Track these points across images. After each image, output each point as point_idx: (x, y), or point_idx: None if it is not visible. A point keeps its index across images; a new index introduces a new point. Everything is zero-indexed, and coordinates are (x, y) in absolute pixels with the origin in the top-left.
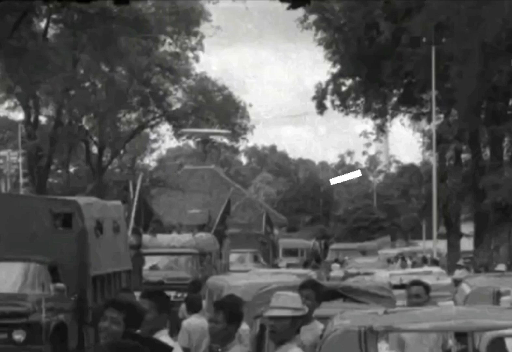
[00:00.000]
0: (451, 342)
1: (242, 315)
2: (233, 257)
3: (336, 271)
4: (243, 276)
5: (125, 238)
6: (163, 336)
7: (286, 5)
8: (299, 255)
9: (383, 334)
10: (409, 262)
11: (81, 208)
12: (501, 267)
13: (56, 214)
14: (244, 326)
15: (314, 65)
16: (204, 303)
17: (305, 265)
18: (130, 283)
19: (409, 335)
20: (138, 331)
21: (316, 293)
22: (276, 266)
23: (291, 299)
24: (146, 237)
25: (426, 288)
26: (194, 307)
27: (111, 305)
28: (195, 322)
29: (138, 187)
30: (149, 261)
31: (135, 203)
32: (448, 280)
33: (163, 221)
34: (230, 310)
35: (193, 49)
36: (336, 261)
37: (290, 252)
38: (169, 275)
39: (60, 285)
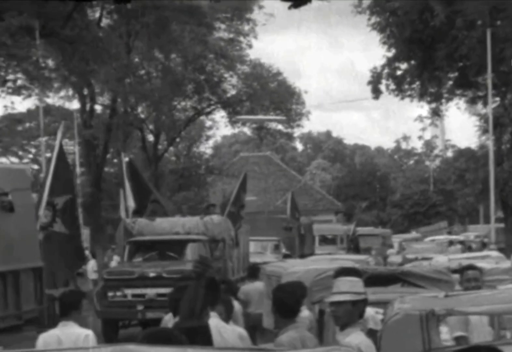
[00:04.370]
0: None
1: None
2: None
3: (394, 256)
4: (300, 262)
5: (31, 221)
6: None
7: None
8: (338, 243)
9: (443, 318)
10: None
11: None
12: None
13: None
14: (305, 312)
15: (368, 50)
16: (264, 289)
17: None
18: (41, 284)
19: (474, 317)
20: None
21: None
22: (303, 256)
23: (352, 284)
24: (142, 221)
25: (480, 272)
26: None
27: None
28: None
29: (58, 140)
30: (145, 251)
31: (52, 165)
32: (507, 264)
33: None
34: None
35: (246, 35)
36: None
37: (326, 239)
38: (170, 268)
39: None
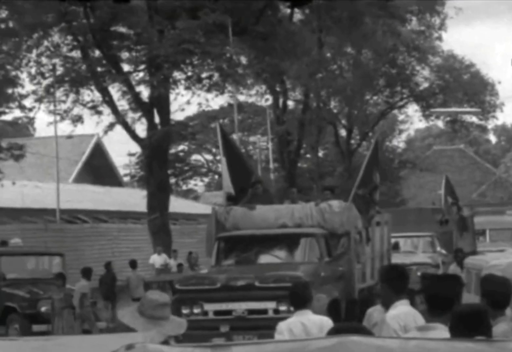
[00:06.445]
0: None
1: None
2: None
3: None
4: (501, 254)
5: None
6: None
7: None
8: None
9: None
10: None
11: None
12: None
13: None
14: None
15: None
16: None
17: None
18: None
19: None
20: None
21: None
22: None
23: None
24: (238, 211)
25: None
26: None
27: None
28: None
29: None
30: (241, 250)
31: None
32: None
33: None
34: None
35: (437, 28)
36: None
37: (499, 234)
38: (266, 274)
39: None
